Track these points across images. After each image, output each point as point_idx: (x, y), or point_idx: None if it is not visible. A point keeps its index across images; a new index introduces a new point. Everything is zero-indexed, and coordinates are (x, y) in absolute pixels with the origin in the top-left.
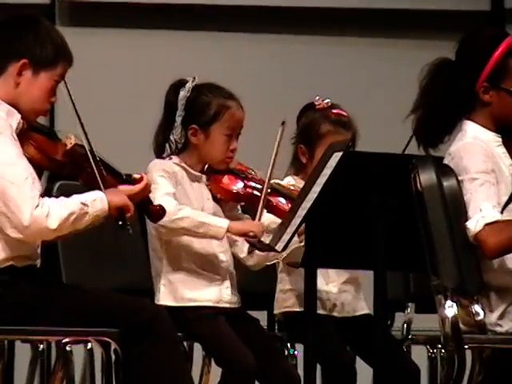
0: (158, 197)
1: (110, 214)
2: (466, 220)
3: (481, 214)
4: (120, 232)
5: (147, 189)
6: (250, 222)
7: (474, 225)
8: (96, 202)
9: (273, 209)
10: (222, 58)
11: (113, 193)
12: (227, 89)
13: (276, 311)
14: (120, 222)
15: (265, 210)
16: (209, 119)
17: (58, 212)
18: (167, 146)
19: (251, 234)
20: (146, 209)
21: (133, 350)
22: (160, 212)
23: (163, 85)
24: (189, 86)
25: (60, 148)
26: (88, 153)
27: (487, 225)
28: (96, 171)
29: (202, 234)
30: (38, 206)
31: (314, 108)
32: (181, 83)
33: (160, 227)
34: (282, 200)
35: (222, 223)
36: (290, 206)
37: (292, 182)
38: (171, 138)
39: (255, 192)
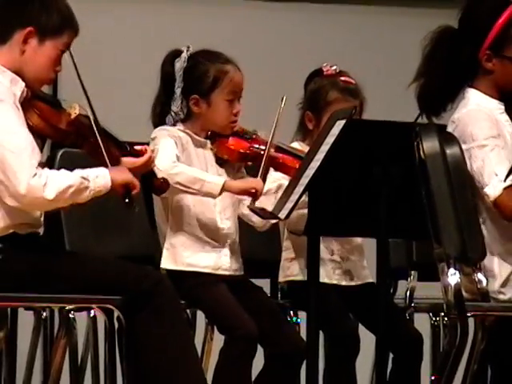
0: (160, 152)
1: (114, 191)
2: (475, 187)
3: (497, 178)
4: (126, 209)
5: (150, 161)
6: (251, 179)
7: (493, 190)
8: (99, 178)
9: (280, 166)
10: (224, 24)
11: (117, 170)
12: (222, 53)
13: (280, 279)
14: (126, 200)
15: (272, 170)
16: (209, 87)
17: (55, 183)
18: (170, 117)
19: (252, 190)
20: (150, 182)
21: (136, 318)
22: (163, 185)
23: (164, 53)
24: (184, 55)
25: (64, 117)
26: (92, 123)
27: (506, 188)
28: (100, 142)
29: (196, 190)
30: (35, 175)
31: (321, 74)
32: (175, 53)
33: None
34: (289, 157)
35: (218, 180)
36: (296, 162)
37: (298, 147)
38: (173, 109)
39: (261, 151)
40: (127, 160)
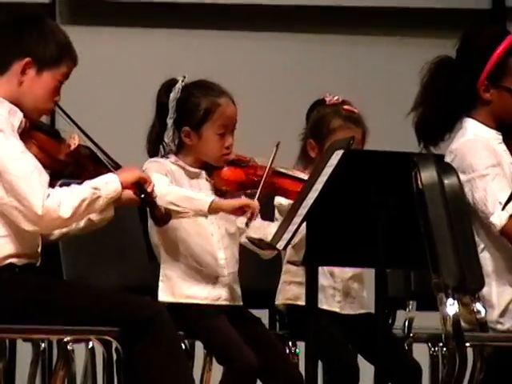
0: (155, 179)
1: (128, 191)
2: (474, 217)
3: (501, 207)
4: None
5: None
6: (244, 198)
7: (499, 219)
8: (108, 184)
9: (280, 190)
10: (220, 56)
11: (124, 171)
12: (218, 85)
13: (278, 302)
14: (142, 195)
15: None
16: (200, 120)
17: (69, 200)
18: (161, 147)
19: (245, 208)
20: (152, 213)
21: (134, 349)
22: (166, 216)
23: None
24: (178, 86)
25: (63, 148)
26: (98, 153)
27: (511, 216)
28: (110, 167)
29: (187, 209)
30: (48, 196)
31: (324, 103)
32: (171, 83)
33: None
34: (288, 180)
35: (207, 198)
36: (296, 185)
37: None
38: (165, 139)
39: (258, 178)
40: (128, 191)
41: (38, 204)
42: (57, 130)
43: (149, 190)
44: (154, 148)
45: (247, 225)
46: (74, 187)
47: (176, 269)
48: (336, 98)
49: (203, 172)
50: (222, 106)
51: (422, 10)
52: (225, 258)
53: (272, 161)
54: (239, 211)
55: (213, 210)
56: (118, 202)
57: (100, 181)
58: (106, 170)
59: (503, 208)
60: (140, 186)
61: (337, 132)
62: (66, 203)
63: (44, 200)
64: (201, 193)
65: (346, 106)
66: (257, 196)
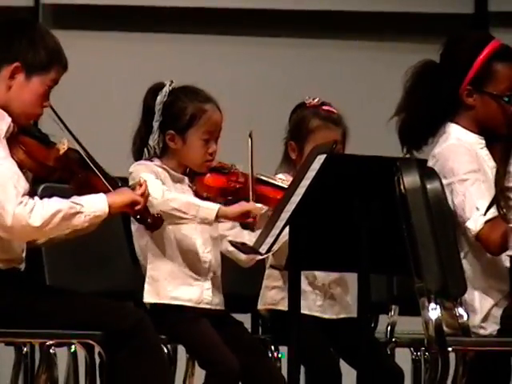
0: (150, 184)
1: (121, 213)
2: (456, 222)
3: (478, 212)
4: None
5: (147, 192)
6: (245, 203)
7: (474, 224)
8: (93, 202)
9: (260, 198)
10: (206, 61)
11: (115, 193)
12: (205, 91)
13: (260, 307)
14: (138, 217)
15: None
16: (185, 124)
17: (41, 209)
18: (146, 150)
19: (250, 214)
20: (143, 218)
21: (116, 357)
22: (158, 221)
23: (146, 87)
24: (165, 90)
25: (52, 153)
26: (85, 158)
27: (487, 222)
28: (97, 171)
29: (192, 216)
30: (21, 203)
31: (304, 106)
32: (158, 87)
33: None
34: (269, 188)
35: (214, 206)
36: (277, 193)
37: (283, 178)
38: (150, 142)
39: (240, 185)
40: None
41: (9, 211)
42: (46, 135)
43: (141, 206)
44: (139, 151)
45: (253, 229)
46: (53, 198)
47: (162, 270)
48: (316, 100)
49: (186, 178)
50: (209, 112)
51: (405, 14)
52: (208, 261)
53: (251, 153)
54: (243, 217)
55: (219, 217)
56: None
57: (86, 197)
58: (95, 175)
59: (485, 213)
60: (133, 208)
61: (316, 132)
62: (38, 212)
63: (15, 207)
64: (203, 201)
65: (324, 107)
66: (251, 198)
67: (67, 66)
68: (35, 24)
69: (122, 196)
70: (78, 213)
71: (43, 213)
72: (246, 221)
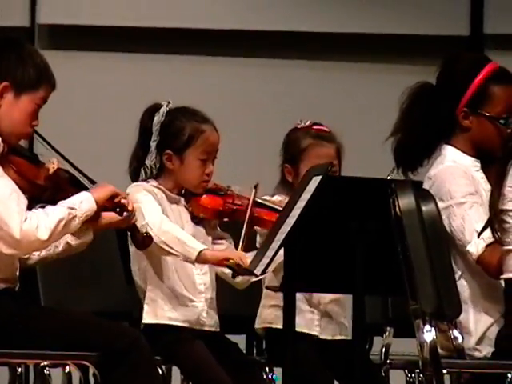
0: (146, 209)
1: (103, 208)
2: (451, 244)
3: (477, 235)
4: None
5: (132, 216)
6: (230, 251)
7: (476, 248)
8: (83, 203)
9: (257, 221)
10: (201, 82)
11: (97, 188)
12: (202, 112)
13: (257, 326)
14: (118, 209)
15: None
16: (183, 144)
17: (46, 222)
18: (142, 170)
19: (231, 261)
20: (132, 236)
21: (111, 376)
22: (146, 240)
23: (142, 108)
24: (163, 110)
25: (42, 172)
26: (75, 176)
27: (488, 246)
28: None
29: (177, 253)
30: (26, 219)
31: (296, 129)
32: (155, 108)
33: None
34: (265, 211)
35: (198, 246)
36: (273, 215)
37: (280, 199)
38: (146, 162)
39: (236, 207)
40: (107, 214)
41: (15, 228)
42: (35, 154)
43: (129, 208)
44: (136, 171)
45: (233, 276)
46: (49, 208)
47: (159, 291)
48: (308, 122)
49: (182, 199)
50: (206, 132)
51: (401, 36)
52: (203, 283)
53: (252, 204)
54: (223, 262)
55: (200, 260)
56: (98, 226)
57: (75, 200)
58: None
59: (479, 236)
60: (113, 200)
61: (308, 150)
62: (44, 225)
63: (21, 223)
64: (193, 240)
65: (315, 127)
66: (240, 246)
67: (55, 84)
68: (23, 43)
69: (104, 190)
70: (74, 217)
71: (48, 225)
72: (225, 265)
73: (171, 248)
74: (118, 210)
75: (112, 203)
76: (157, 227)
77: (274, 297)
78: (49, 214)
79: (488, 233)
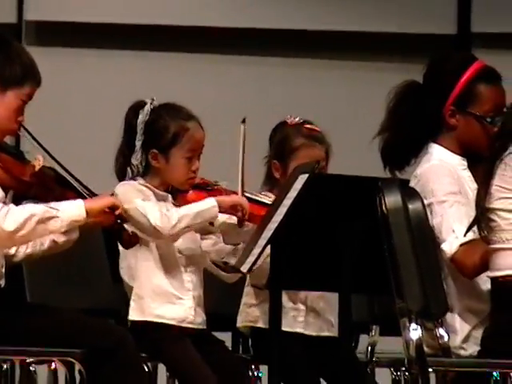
0: (146, 209)
1: (99, 219)
2: (436, 243)
3: (454, 234)
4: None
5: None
6: (235, 195)
7: (449, 247)
8: (70, 207)
9: (249, 216)
10: (186, 79)
11: (92, 200)
12: (186, 109)
13: (239, 324)
14: (119, 221)
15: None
16: (168, 143)
17: (16, 214)
18: (129, 169)
19: (239, 208)
20: (119, 235)
21: (97, 374)
22: (132, 239)
23: (128, 105)
24: (147, 108)
25: (28, 169)
26: (62, 173)
27: (462, 245)
28: (79, 190)
29: (202, 223)
30: None
31: (286, 125)
32: (139, 105)
33: (165, 238)
34: (254, 205)
35: (211, 202)
36: (262, 209)
37: (268, 195)
38: (133, 161)
39: None
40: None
41: None
42: (21, 151)
43: (117, 212)
44: (122, 170)
45: (240, 225)
46: (30, 204)
47: (146, 288)
48: (297, 118)
49: (169, 196)
50: (191, 129)
51: (388, 34)
52: (190, 280)
53: (244, 141)
54: (234, 208)
55: (219, 210)
56: (86, 224)
57: (64, 203)
58: (72, 192)
59: (465, 234)
60: (113, 211)
61: (299, 150)
62: (12, 217)
63: None
64: (198, 203)
65: (307, 125)
66: (239, 191)
67: (41, 81)
68: (10, 40)
69: (101, 200)
70: (53, 217)
71: (16, 217)
72: (236, 214)
73: (194, 224)
74: (117, 220)
75: (114, 216)
76: (167, 229)
77: (255, 295)
78: (24, 208)
79: (463, 231)
